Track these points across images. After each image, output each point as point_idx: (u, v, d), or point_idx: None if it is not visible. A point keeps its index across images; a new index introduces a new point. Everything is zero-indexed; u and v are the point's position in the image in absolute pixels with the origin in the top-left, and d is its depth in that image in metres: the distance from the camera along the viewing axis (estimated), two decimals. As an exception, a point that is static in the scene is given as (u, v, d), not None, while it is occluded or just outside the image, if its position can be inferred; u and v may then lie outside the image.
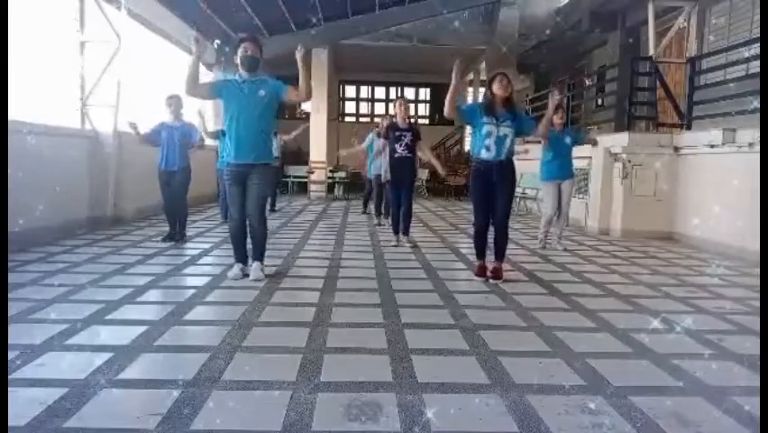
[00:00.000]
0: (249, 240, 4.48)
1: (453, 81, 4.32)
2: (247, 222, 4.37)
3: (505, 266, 4.62)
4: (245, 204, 4.31)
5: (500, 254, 4.54)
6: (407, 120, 6.22)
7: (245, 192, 4.30)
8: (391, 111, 6.53)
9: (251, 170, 4.25)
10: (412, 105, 20.64)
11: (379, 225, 7.91)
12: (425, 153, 6.51)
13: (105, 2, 7.28)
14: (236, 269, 4.40)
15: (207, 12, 10.01)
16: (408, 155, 6.12)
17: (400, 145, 6.07)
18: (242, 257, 4.45)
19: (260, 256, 4.42)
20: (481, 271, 4.55)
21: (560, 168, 6.23)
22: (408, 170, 6.19)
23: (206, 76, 11.22)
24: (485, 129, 4.36)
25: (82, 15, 7.28)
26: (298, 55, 4.20)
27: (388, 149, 6.25)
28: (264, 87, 4.21)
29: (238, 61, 4.22)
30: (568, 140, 6.24)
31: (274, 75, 4.39)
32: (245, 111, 4.17)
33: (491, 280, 4.44)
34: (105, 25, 7.31)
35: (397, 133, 6.09)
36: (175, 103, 6.06)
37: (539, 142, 6.48)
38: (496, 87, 4.35)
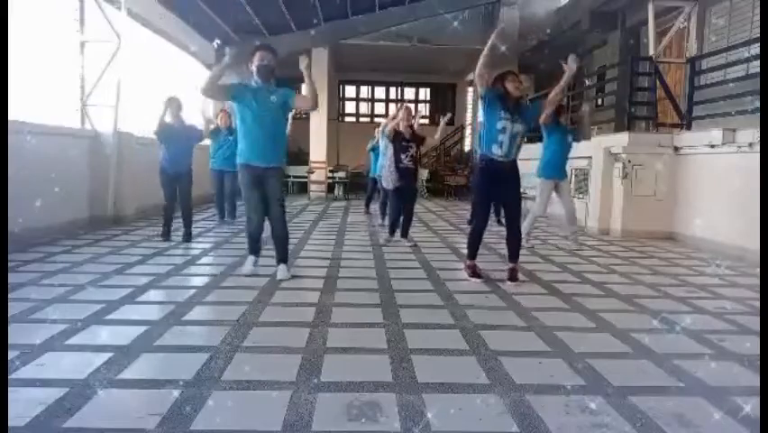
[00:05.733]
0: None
1: (493, 38, 4.15)
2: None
3: (504, 266, 4.61)
4: (264, 207, 4.44)
5: (515, 255, 4.51)
6: (411, 127, 6.13)
7: (261, 195, 4.43)
8: (392, 113, 6.50)
9: (266, 174, 4.35)
10: (412, 106, 20.59)
11: (382, 225, 7.90)
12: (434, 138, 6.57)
13: (105, 2, 7.28)
14: (250, 263, 4.55)
15: (207, 12, 10.01)
16: (413, 166, 6.13)
17: (406, 156, 6.06)
18: (256, 250, 4.60)
19: (285, 258, 4.55)
20: (474, 272, 4.51)
21: (561, 167, 6.22)
22: (412, 180, 6.23)
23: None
24: (500, 124, 4.26)
25: (82, 15, 7.28)
26: (303, 65, 4.25)
27: (392, 155, 6.18)
28: (275, 93, 4.33)
29: (254, 69, 4.30)
30: (570, 138, 6.21)
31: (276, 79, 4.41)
32: (260, 117, 4.27)
33: (508, 282, 4.40)
34: (105, 25, 7.30)
35: (404, 144, 6.07)
36: (176, 105, 6.08)
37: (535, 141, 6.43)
38: (511, 87, 4.25)
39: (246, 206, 4.50)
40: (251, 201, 4.43)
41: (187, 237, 6.16)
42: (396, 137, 6.09)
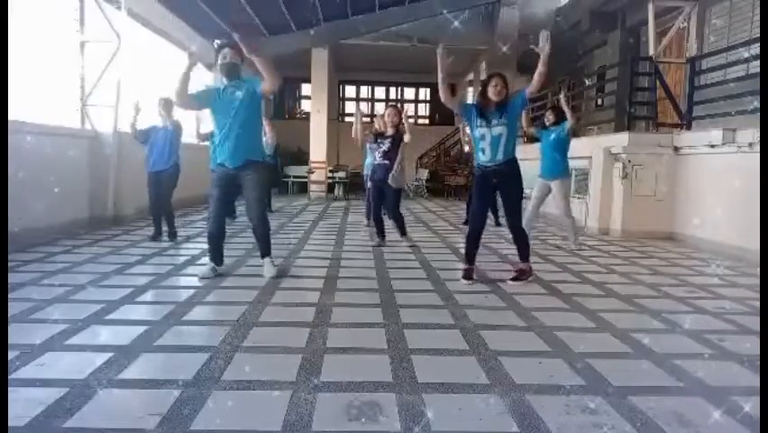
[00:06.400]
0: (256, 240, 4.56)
1: (440, 68, 4.29)
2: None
3: (503, 266, 4.61)
4: (226, 208, 4.44)
5: (521, 256, 4.50)
6: (395, 126, 6.05)
7: (226, 195, 4.43)
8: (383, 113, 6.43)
9: (238, 173, 4.29)
10: (412, 106, 20.58)
11: (367, 225, 7.93)
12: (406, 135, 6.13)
13: (105, 2, 7.28)
14: (207, 268, 4.45)
15: (207, 11, 10.01)
16: (384, 162, 5.99)
17: (379, 153, 6.02)
18: (216, 258, 4.49)
19: (266, 252, 4.50)
20: (467, 274, 4.44)
21: (546, 167, 6.17)
22: (384, 176, 6.00)
23: (207, 76, 11.25)
24: (477, 132, 4.34)
25: (82, 15, 7.29)
26: (253, 55, 4.06)
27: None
28: (241, 88, 4.21)
29: (218, 68, 4.28)
30: (552, 136, 6.08)
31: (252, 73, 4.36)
32: (225, 116, 4.21)
33: (509, 282, 4.38)
34: (105, 25, 7.31)
35: (379, 140, 6.07)
36: (163, 105, 6.10)
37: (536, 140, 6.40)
38: (491, 93, 4.28)
39: (210, 206, 4.51)
40: (213, 200, 4.43)
41: (172, 236, 6.18)
42: (375, 136, 6.16)
